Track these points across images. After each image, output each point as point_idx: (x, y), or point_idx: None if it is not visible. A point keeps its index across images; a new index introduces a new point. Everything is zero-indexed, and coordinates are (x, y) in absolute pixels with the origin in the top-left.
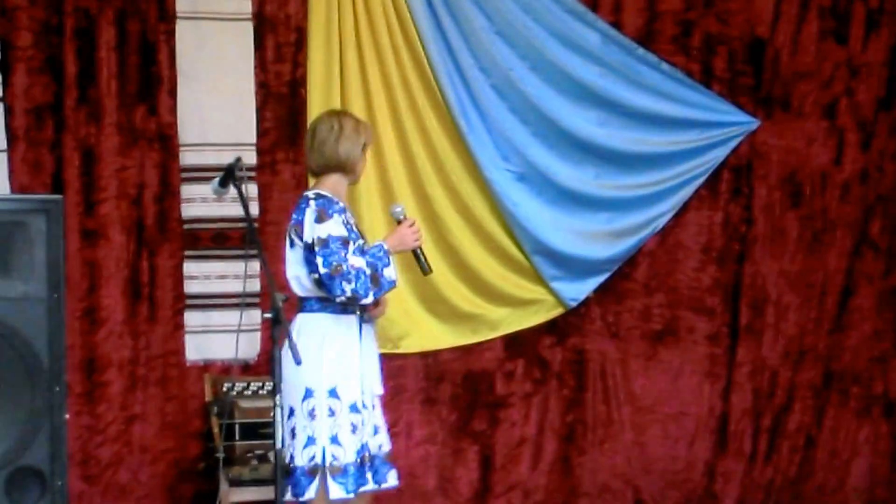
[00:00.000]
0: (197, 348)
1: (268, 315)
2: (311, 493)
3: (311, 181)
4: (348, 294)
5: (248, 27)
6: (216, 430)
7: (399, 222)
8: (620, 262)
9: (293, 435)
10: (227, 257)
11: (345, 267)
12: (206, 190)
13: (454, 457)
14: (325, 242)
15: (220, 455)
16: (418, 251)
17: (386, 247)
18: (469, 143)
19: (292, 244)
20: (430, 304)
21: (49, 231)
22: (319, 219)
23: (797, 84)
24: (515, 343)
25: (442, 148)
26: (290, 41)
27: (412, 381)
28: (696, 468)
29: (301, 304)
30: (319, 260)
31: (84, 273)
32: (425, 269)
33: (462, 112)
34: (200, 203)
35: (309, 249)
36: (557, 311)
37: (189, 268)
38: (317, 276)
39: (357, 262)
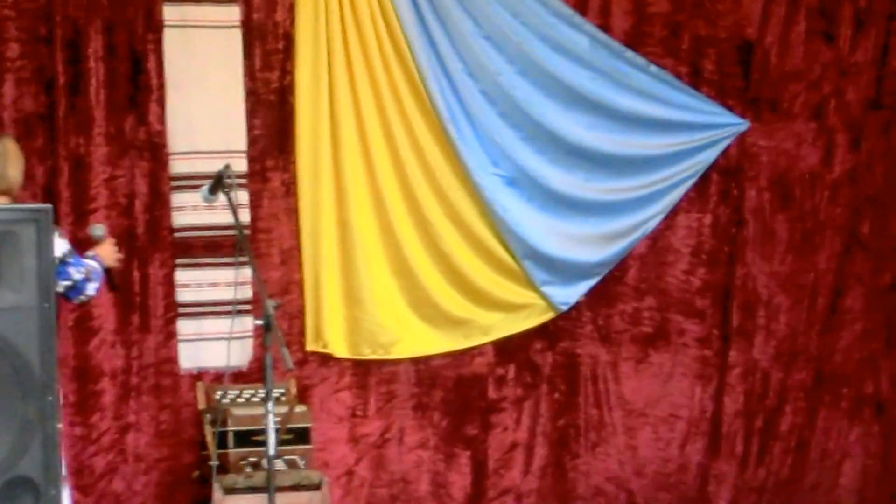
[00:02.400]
0: (190, 356)
1: (259, 322)
2: None
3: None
4: (93, 293)
5: (237, 35)
6: (209, 438)
7: (98, 241)
8: (611, 265)
9: None
10: (218, 265)
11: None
12: (196, 198)
13: (447, 462)
14: (71, 253)
15: (214, 463)
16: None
17: (99, 258)
18: (458, 148)
19: None
20: (422, 310)
21: (39, 240)
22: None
23: (786, 85)
24: (507, 348)
25: (431, 153)
26: (278, 49)
27: (404, 387)
28: (688, 470)
29: None
30: (72, 269)
31: None
32: (115, 286)
33: (451, 117)
34: (191, 211)
35: (60, 262)
36: (548, 316)
37: (180, 276)
38: (69, 283)
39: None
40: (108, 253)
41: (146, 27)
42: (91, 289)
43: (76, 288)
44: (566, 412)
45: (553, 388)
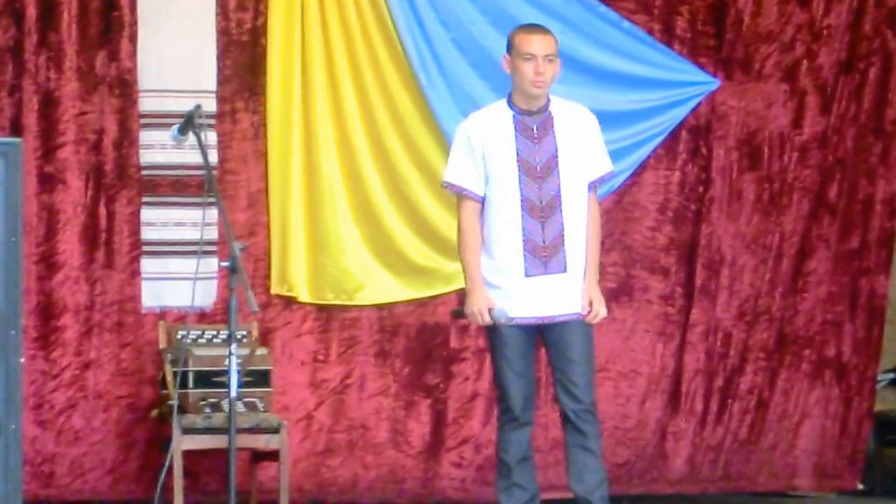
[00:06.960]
0: (153, 295)
1: (225, 263)
2: None
3: None
4: None
5: None
6: (170, 377)
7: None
8: None
9: None
10: (185, 204)
11: None
12: (164, 136)
13: (407, 410)
14: None
15: (174, 402)
16: None
17: None
18: (428, 97)
19: None
20: (386, 258)
21: (7, 174)
22: None
23: (758, 46)
24: None
25: (401, 100)
26: None
27: (366, 334)
28: (647, 427)
29: None
30: None
31: (41, 218)
32: None
33: (422, 65)
34: (159, 150)
35: None
36: None
37: (147, 214)
38: None
39: None
40: None
41: None
42: None
43: None
44: None
45: None
